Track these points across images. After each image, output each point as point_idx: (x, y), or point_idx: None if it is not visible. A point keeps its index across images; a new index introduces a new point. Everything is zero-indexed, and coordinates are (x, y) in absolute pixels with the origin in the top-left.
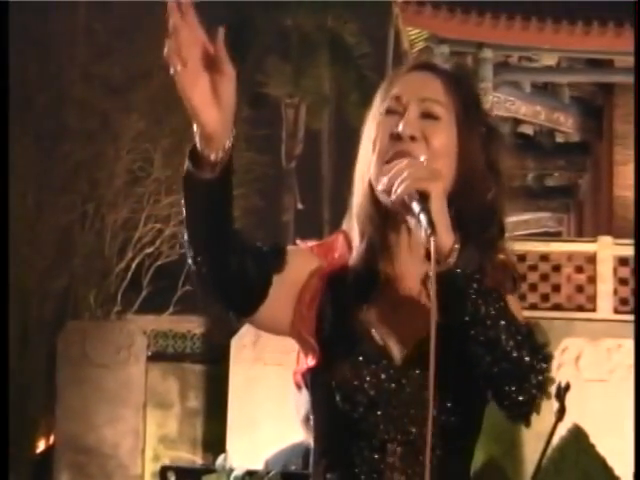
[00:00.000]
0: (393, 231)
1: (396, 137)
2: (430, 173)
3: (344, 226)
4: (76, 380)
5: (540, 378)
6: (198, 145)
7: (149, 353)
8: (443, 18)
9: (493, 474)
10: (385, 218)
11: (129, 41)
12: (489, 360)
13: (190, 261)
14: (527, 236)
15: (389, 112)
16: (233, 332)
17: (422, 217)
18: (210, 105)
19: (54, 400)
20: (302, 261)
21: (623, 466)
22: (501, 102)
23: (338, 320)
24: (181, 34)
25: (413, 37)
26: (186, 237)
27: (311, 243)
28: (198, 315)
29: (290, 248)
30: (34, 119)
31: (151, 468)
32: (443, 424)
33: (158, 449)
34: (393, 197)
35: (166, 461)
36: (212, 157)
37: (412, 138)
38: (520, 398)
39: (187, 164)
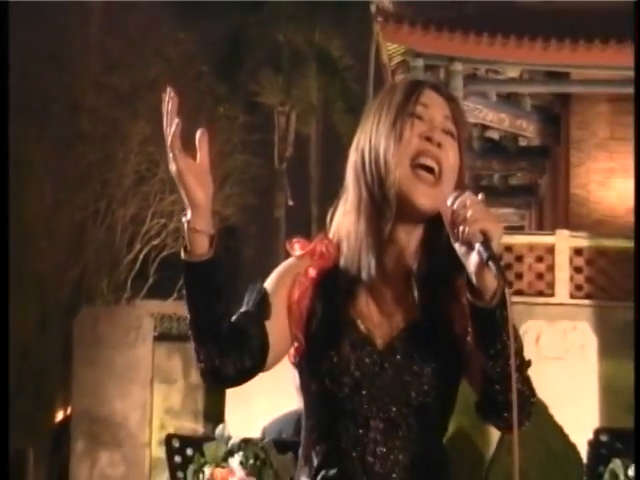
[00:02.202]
0: (388, 226)
1: (426, 139)
2: (491, 214)
3: (331, 234)
4: (90, 359)
5: (532, 409)
6: (190, 222)
7: (155, 334)
8: (418, 35)
9: (463, 443)
10: (390, 204)
11: (136, 55)
12: (498, 388)
13: (199, 361)
14: None
15: (418, 117)
16: None
17: (492, 265)
18: (198, 185)
19: (70, 377)
20: (286, 279)
21: (578, 434)
22: (470, 110)
23: (327, 313)
24: (174, 126)
25: (392, 51)
26: (191, 334)
27: (299, 246)
28: None
29: (270, 285)
30: (51, 125)
31: (157, 436)
32: (420, 405)
33: (164, 419)
34: (462, 234)
35: (171, 430)
36: (203, 232)
37: (439, 145)
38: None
39: (182, 255)
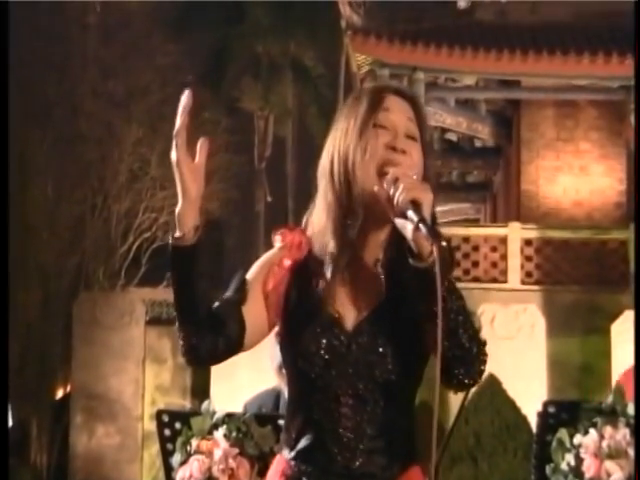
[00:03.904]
0: (358, 219)
1: (391, 148)
2: (421, 184)
3: (309, 231)
4: (88, 339)
5: (482, 367)
6: (180, 211)
7: (147, 318)
8: (384, 47)
9: (425, 414)
10: (357, 208)
11: (130, 64)
12: (446, 345)
13: (179, 339)
14: (451, 222)
15: (382, 127)
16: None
17: (422, 227)
18: (192, 179)
19: (70, 355)
20: (264, 269)
21: (528, 406)
22: (431, 114)
23: (300, 299)
24: (184, 117)
25: (360, 62)
26: (177, 318)
27: (280, 238)
28: None
29: (250, 274)
30: (53, 127)
31: (149, 411)
32: (385, 382)
33: (155, 395)
34: (396, 206)
35: (161, 406)
36: (190, 221)
37: (403, 152)
38: (466, 381)
39: (170, 240)
